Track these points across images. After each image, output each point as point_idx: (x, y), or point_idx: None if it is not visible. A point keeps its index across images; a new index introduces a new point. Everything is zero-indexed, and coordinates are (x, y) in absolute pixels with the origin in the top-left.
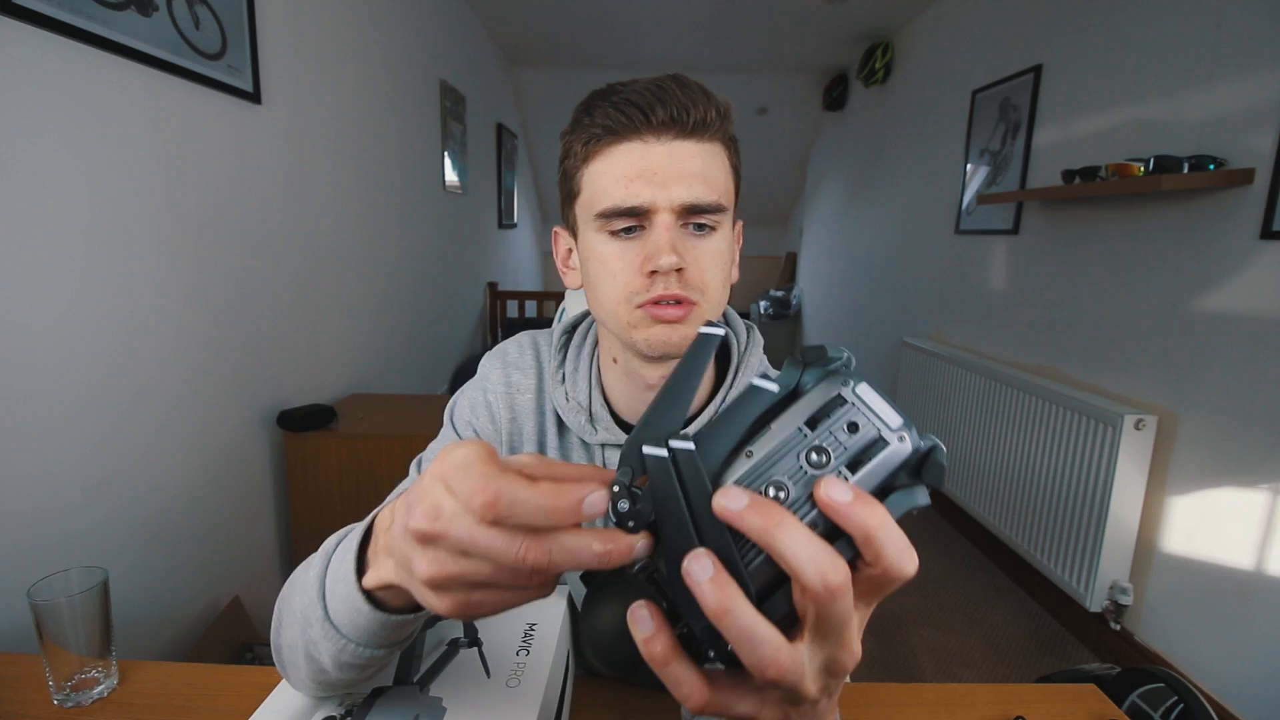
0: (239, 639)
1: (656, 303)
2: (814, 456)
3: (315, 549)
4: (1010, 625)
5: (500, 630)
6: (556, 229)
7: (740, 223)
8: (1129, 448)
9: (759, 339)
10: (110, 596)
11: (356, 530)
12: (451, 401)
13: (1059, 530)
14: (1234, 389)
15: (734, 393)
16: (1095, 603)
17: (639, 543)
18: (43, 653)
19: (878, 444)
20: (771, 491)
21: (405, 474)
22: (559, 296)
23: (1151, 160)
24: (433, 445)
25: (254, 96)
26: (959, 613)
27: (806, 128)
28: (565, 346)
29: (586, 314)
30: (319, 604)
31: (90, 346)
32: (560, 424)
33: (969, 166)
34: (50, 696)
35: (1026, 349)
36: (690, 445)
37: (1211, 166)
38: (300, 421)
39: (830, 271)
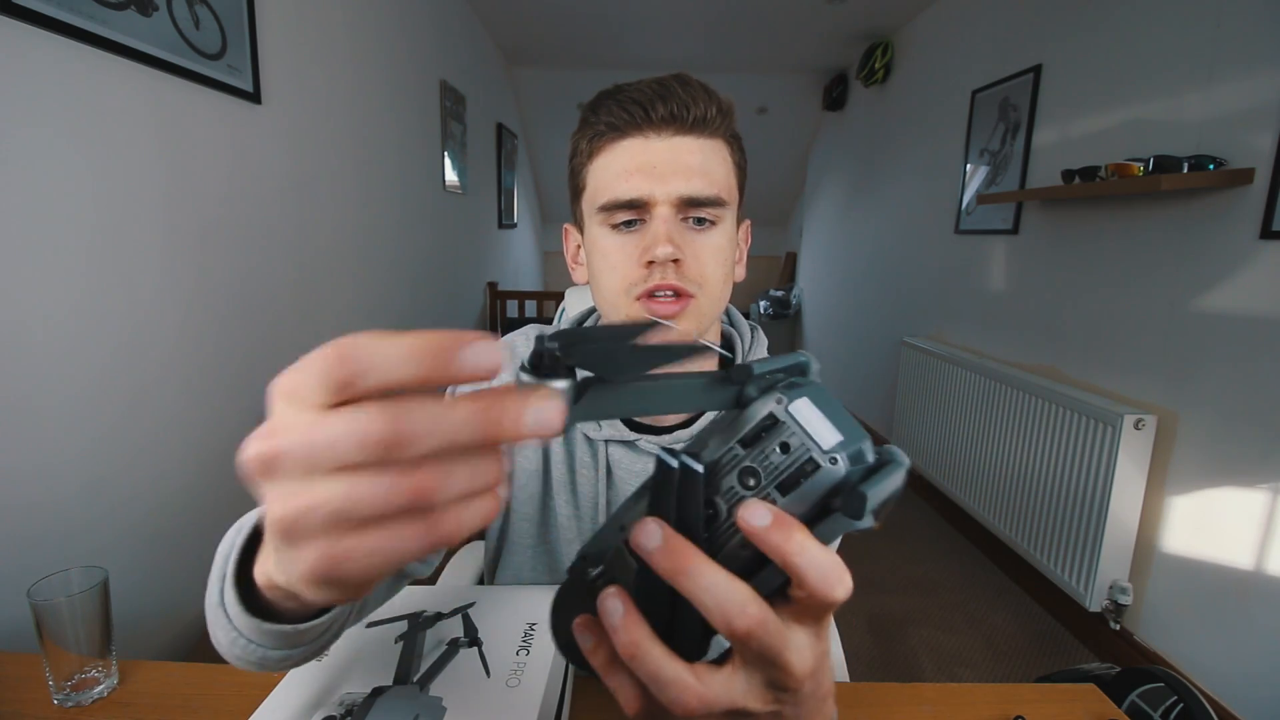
0: None
1: (653, 295)
2: (746, 479)
3: None
4: (1010, 625)
5: (500, 630)
6: (567, 226)
7: (748, 222)
8: (1129, 447)
9: (763, 339)
10: (110, 596)
11: (254, 513)
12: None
13: (1059, 530)
14: (1234, 389)
15: None
16: (1095, 602)
17: (555, 404)
18: (43, 652)
19: (809, 466)
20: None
21: None
22: (559, 296)
23: (1151, 160)
24: None
25: (254, 96)
26: (959, 613)
27: (806, 128)
28: None
29: (593, 310)
30: (217, 586)
31: (91, 346)
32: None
33: (969, 166)
34: (50, 696)
35: (1026, 349)
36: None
37: (1211, 166)
38: None
39: (830, 271)
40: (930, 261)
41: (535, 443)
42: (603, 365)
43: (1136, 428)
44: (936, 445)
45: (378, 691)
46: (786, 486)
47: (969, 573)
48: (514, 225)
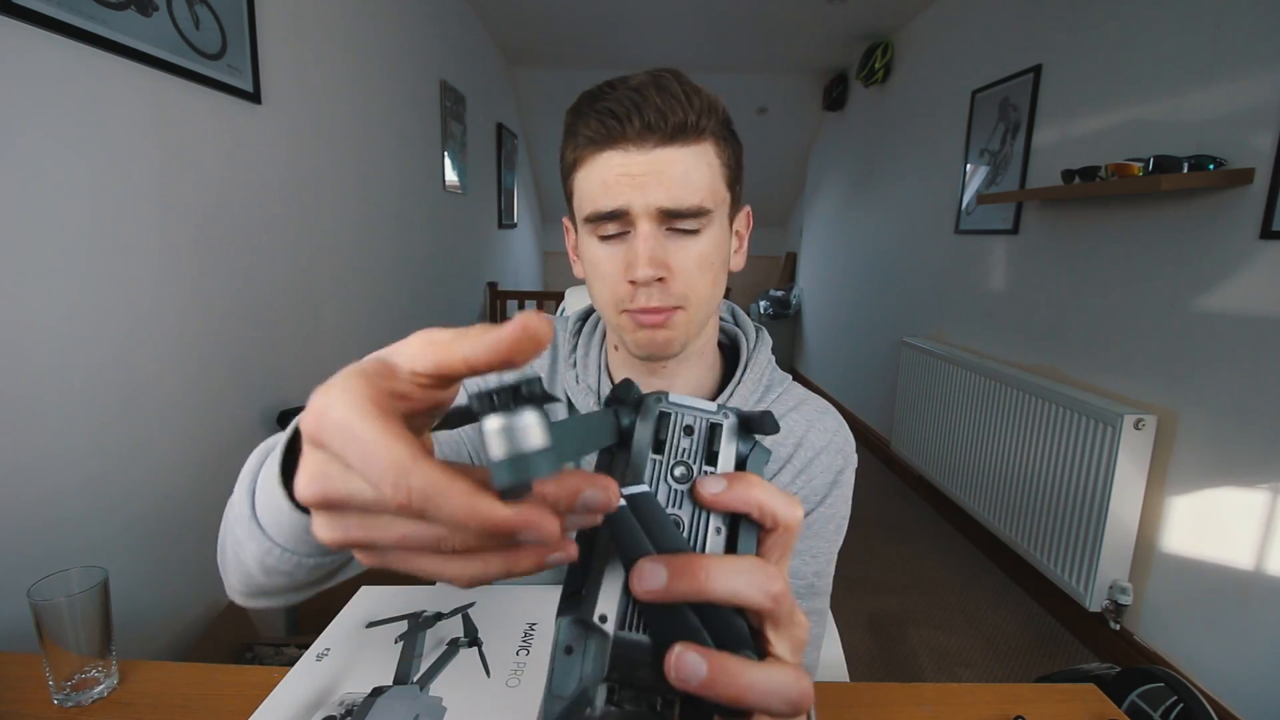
0: (239, 639)
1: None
2: (678, 472)
3: None
4: (1010, 625)
5: (500, 630)
6: (565, 220)
7: (747, 208)
8: (1129, 447)
9: (767, 339)
10: (110, 596)
11: (289, 428)
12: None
13: (1059, 530)
14: (1234, 389)
15: (742, 388)
16: (1095, 602)
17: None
18: (43, 652)
19: (715, 429)
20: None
21: None
22: (559, 296)
23: (1151, 160)
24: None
25: (254, 96)
26: (959, 613)
27: (806, 128)
28: (578, 333)
29: (592, 309)
30: (248, 500)
31: (90, 346)
32: (570, 407)
33: (969, 166)
34: (50, 696)
35: (1026, 349)
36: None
37: (1211, 166)
38: None
39: (830, 271)
40: (930, 261)
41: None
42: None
43: (1136, 428)
44: (936, 445)
45: (378, 691)
46: (710, 457)
47: (969, 573)
48: (514, 225)
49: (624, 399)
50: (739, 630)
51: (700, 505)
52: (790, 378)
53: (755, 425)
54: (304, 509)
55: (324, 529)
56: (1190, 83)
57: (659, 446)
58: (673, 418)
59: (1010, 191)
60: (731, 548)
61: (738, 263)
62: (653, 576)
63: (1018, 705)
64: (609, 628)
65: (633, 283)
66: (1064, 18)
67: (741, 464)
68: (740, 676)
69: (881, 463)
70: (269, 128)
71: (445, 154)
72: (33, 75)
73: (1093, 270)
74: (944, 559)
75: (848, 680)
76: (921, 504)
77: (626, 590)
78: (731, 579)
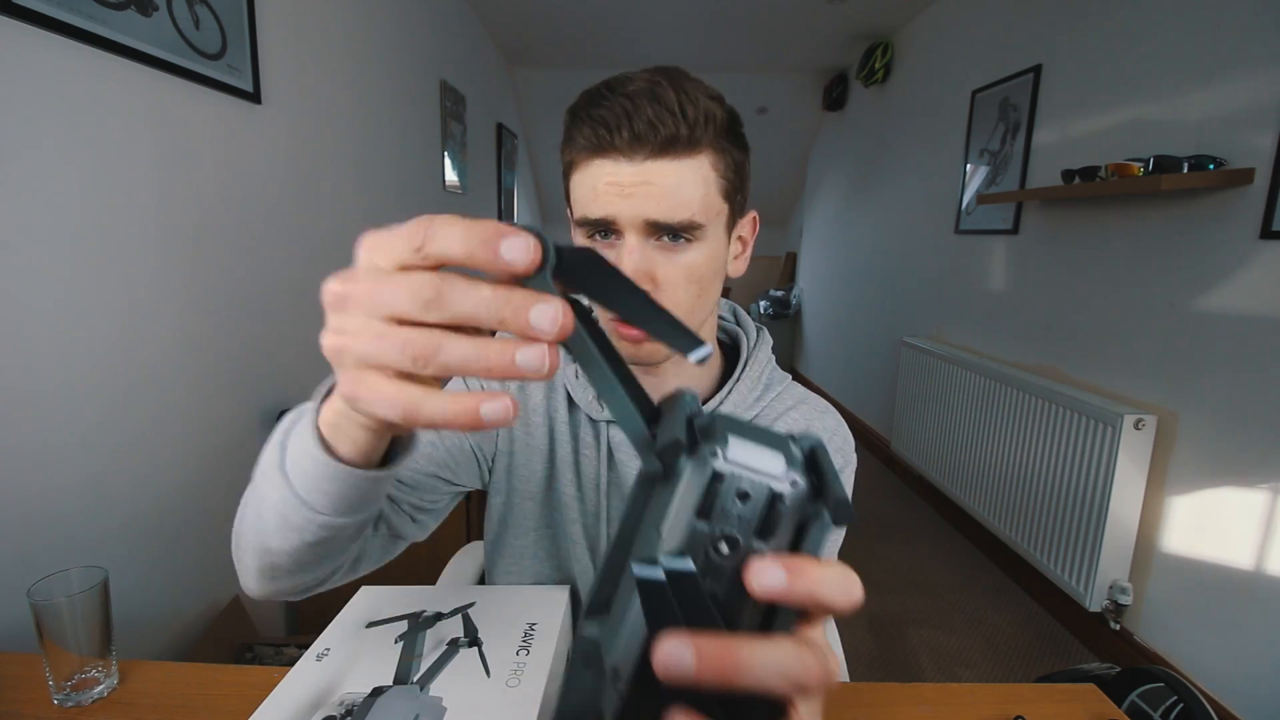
0: (239, 639)
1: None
2: (724, 547)
3: None
4: (1010, 625)
5: (500, 630)
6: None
7: (753, 214)
8: (1129, 447)
9: (768, 339)
10: (110, 596)
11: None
12: None
13: (1059, 530)
14: (1234, 389)
15: (741, 386)
16: (1095, 602)
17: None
18: (43, 652)
19: (775, 500)
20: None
21: None
22: None
23: (1151, 160)
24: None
25: (254, 96)
26: (959, 613)
27: (806, 128)
28: None
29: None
30: (278, 454)
31: (90, 346)
32: (570, 402)
33: (969, 166)
34: (50, 696)
35: (1026, 349)
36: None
37: (1211, 166)
38: None
39: (830, 271)
40: (930, 261)
41: (537, 362)
42: (598, 288)
43: (1136, 428)
44: (936, 445)
45: (378, 691)
46: (764, 531)
47: (969, 573)
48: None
49: (674, 428)
50: (759, 711)
51: (738, 584)
52: (790, 377)
53: (830, 505)
54: (333, 456)
55: (330, 333)
56: (1190, 83)
57: (706, 511)
58: (728, 482)
59: (1010, 191)
60: (768, 621)
61: (738, 269)
62: (678, 658)
63: (1018, 705)
64: (621, 687)
65: None
66: (1064, 18)
67: (801, 531)
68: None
69: (881, 463)
70: (269, 128)
71: (445, 154)
72: (33, 75)
73: (1093, 270)
74: (944, 559)
75: (848, 680)
76: (921, 504)
77: (645, 655)
78: (766, 670)
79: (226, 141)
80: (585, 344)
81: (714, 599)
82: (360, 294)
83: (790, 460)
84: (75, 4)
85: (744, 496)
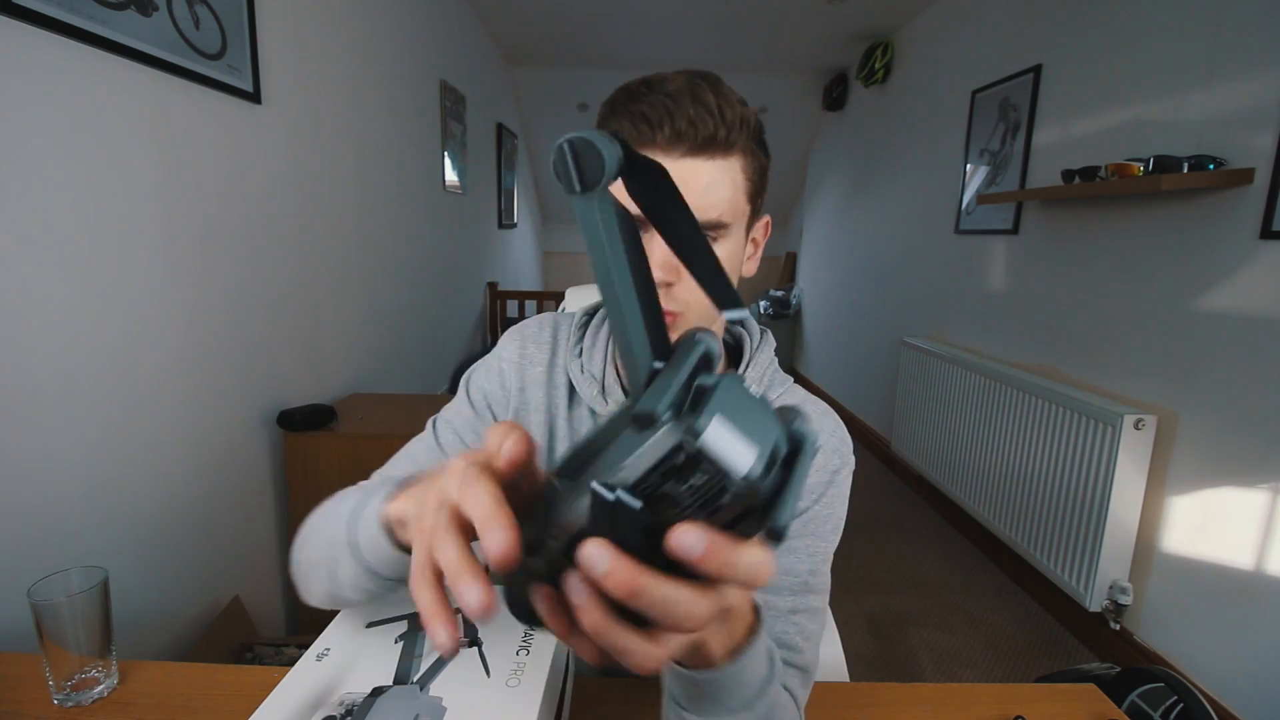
0: (239, 639)
1: None
2: (669, 503)
3: None
4: (1010, 625)
5: (500, 630)
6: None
7: (767, 218)
8: (1129, 447)
9: (771, 341)
10: (110, 596)
11: (388, 485)
12: (471, 369)
13: (1059, 530)
14: (1234, 389)
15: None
16: (1095, 602)
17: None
18: (43, 652)
19: (724, 491)
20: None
21: None
22: (559, 296)
23: (1151, 160)
24: (447, 407)
25: (254, 96)
26: (959, 613)
27: (806, 128)
28: (584, 325)
29: (600, 305)
30: (343, 528)
31: (90, 346)
32: (572, 395)
33: (969, 166)
34: (50, 696)
35: (1026, 349)
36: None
37: (1211, 166)
38: (300, 421)
39: (830, 271)
40: (930, 261)
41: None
42: (657, 205)
43: (1136, 428)
44: (936, 445)
45: (378, 691)
46: (707, 507)
47: (969, 573)
48: (514, 225)
49: (654, 422)
50: (636, 622)
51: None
52: (791, 380)
53: (774, 513)
54: (403, 549)
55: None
56: (1190, 83)
57: (664, 469)
58: (692, 457)
59: (1010, 191)
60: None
61: (749, 269)
62: (597, 561)
63: (1018, 705)
64: (552, 545)
65: None
66: (1064, 18)
67: (741, 517)
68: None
69: (881, 463)
70: (269, 128)
71: (445, 154)
72: (33, 75)
73: (1093, 270)
74: (944, 559)
75: (848, 680)
76: (921, 504)
77: (576, 539)
78: (658, 604)
79: (226, 142)
80: (619, 258)
81: (647, 532)
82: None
83: (765, 456)
84: (75, 4)
85: (701, 472)
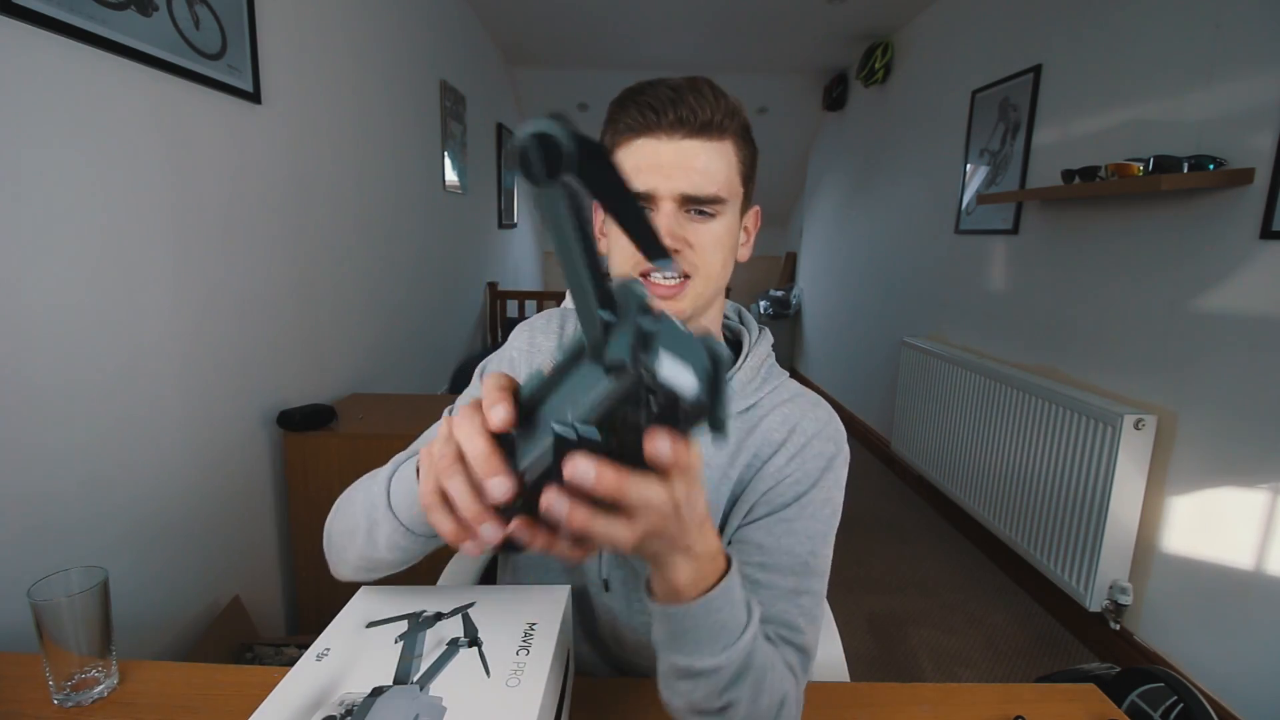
0: (239, 639)
1: (653, 277)
2: (625, 425)
3: (315, 548)
4: (1010, 625)
5: (500, 630)
6: (594, 202)
7: (757, 207)
8: (1129, 447)
9: (769, 336)
10: (110, 596)
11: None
12: (485, 360)
13: (1059, 530)
14: (1233, 389)
15: (740, 376)
16: (1095, 602)
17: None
18: (43, 652)
19: (675, 407)
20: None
21: None
22: (559, 296)
23: (1151, 160)
24: (464, 395)
25: (254, 96)
26: (959, 613)
27: (806, 128)
28: None
29: None
30: (384, 493)
31: (90, 346)
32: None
33: (969, 166)
34: (50, 696)
35: (1026, 349)
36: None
37: (1211, 166)
38: (300, 421)
39: (830, 271)
40: (930, 261)
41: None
42: (600, 182)
43: (1136, 428)
44: (936, 445)
45: (377, 691)
46: (659, 419)
47: (969, 573)
48: (514, 225)
49: (625, 334)
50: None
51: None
52: (787, 374)
53: (716, 429)
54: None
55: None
56: (1190, 83)
57: (623, 400)
58: (648, 387)
59: (1010, 191)
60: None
61: (743, 254)
62: (584, 472)
63: (1018, 705)
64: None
65: None
66: (1064, 18)
67: (675, 421)
68: (623, 487)
69: (881, 463)
70: (269, 128)
71: (445, 154)
72: (33, 75)
73: (1093, 270)
74: (944, 559)
75: (848, 680)
76: (921, 504)
77: (544, 476)
78: (636, 494)
79: (226, 142)
80: (565, 229)
81: (607, 453)
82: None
83: (701, 380)
84: (75, 4)
85: (655, 397)
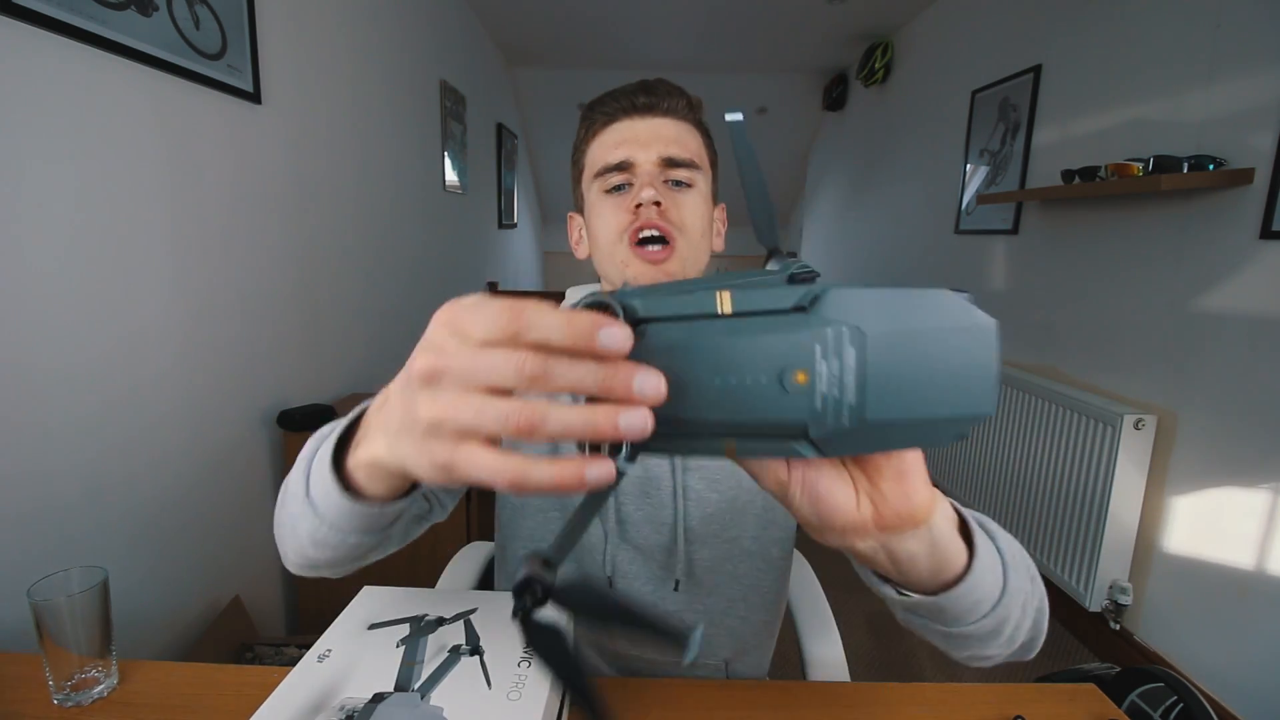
0: (239, 639)
1: (641, 244)
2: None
3: None
4: None
5: (502, 638)
6: (570, 214)
7: (723, 204)
8: (1128, 447)
9: None
10: (110, 596)
11: (348, 416)
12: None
13: (1058, 530)
14: (1233, 388)
15: None
16: (1095, 602)
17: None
18: (43, 652)
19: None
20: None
21: None
22: (559, 296)
23: (1151, 160)
24: None
25: (254, 96)
26: None
27: (806, 128)
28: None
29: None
30: (303, 481)
31: (90, 346)
32: None
33: (969, 166)
34: (50, 696)
35: (1026, 349)
36: None
37: (1211, 166)
38: (300, 421)
39: (830, 271)
40: (930, 261)
41: (640, 423)
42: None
43: (1136, 428)
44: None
45: (378, 698)
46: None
47: None
48: (514, 225)
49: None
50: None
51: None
52: None
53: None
54: (350, 493)
55: (426, 405)
56: (1190, 83)
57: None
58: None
59: (1010, 191)
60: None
61: (718, 244)
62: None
63: (1018, 705)
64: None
65: (637, 209)
66: (1064, 18)
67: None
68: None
69: None
70: (269, 128)
71: (445, 154)
72: (33, 75)
73: (1093, 270)
74: None
75: (848, 680)
76: None
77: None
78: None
79: (227, 142)
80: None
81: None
82: (459, 368)
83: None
84: (75, 4)
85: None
